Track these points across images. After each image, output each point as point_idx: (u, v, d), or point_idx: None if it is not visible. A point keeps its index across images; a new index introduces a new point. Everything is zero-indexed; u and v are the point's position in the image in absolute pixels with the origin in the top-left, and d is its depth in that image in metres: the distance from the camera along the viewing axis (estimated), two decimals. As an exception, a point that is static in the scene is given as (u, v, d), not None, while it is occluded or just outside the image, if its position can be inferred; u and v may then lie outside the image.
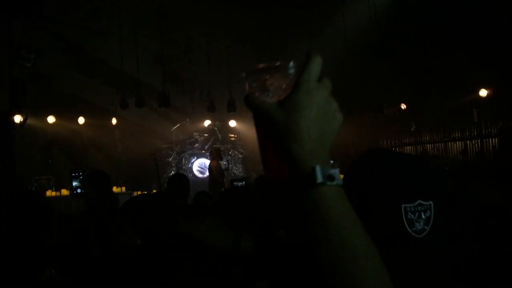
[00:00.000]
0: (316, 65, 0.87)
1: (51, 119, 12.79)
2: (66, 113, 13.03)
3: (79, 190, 2.65)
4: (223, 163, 12.10)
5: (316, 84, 0.84)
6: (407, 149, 15.08)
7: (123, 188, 11.96)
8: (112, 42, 12.64)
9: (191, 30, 14.61)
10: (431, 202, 1.02)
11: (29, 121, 10.83)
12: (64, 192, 11.32)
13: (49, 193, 10.79)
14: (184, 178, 4.32)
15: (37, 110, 12.10)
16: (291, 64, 1.08)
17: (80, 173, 2.69)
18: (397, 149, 15.34)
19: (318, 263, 0.74)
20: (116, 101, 12.50)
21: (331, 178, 0.76)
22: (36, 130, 12.60)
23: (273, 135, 0.81)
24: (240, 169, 14.72)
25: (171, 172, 13.25)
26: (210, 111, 13.46)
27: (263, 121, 0.85)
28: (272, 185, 0.84)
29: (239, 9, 14.18)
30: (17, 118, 10.38)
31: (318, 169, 0.76)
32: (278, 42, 14.40)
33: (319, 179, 0.75)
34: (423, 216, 1.01)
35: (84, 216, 2.84)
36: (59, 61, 13.12)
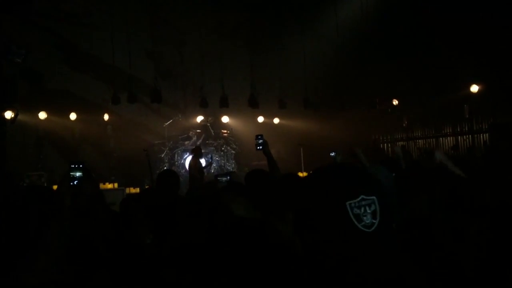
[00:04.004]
0: None
1: (42, 115, 12.71)
2: (58, 108, 12.96)
3: (76, 182, 2.59)
4: (205, 160, 12.40)
5: None
6: (398, 144, 15.13)
7: (116, 184, 11.94)
8: (103, 37, 12.55)
9: (184, 25, 14.55)
10: (374, 197, 1.09)
11: (20, 117, 10.77)
12: (56, 187, 11.27)
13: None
14: (173, 174, 4.30)
15: (28, 106, 12.03)
16: None
17: (81, 165, 2.62)
18: (389, 144, 15.43)
19: None
20: (108, 96, 12.45)
21: None
22: (28, 126, 12.52)
23: None
24: (233, 164, 14.74)
25: (163, 168, 13.24)
26: (203, 107, 13.44)
27: None
28: None
29: (231, 4, 14.14)
30: (8, 114, 10.31)
31: None
32: (270, 38, 14.39)
33: None
34: (368, 210, 1.07)
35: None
36: (51, 57, 13.03)
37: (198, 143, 13.78)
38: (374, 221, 1.06)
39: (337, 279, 1.06)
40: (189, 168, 11.31)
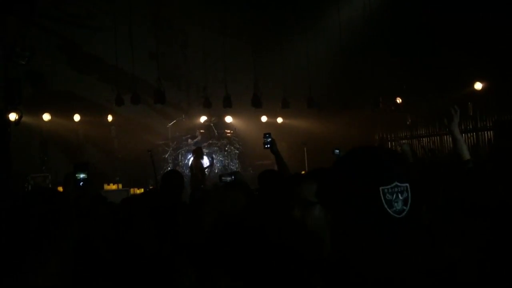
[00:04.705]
0: None
1: (46, 117, 12.75)
2: (62, 110, 13.00)
3: (81, 183, 2.59)
4: (209, 160, 12.53)
5: None
6: (406, 142, 15.09)
7: (120, 185, 11.97)
8: (107, 39, 12.59)
9: (187, 26, 14.57)
10: (407, 184, 1.11)
11: (24, 119, 10.78)
12: (61, 189, 11.30)
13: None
14: (178, 174, 4.31)
15: (32, 108, 12.06)
16: None
17: (85, 167, 2.62)
18: (393, 143, 15.39)
19: None
20: (112, 97, 12.48)
21: None
22: (32, 128, 12.56)
23: None
24: (237, 164, 14.74)
25: (167, 169, 13.26)
26: (206, 107, 13.45)
27: None
28: None
29: (234, 4, 14.15)
30: (12, 116, 10.32)
31: None
32: (273, 37, 14.38)
33: None
34: (400, 197, 1.09)
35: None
36: (54, 58, 13.08)
37: (203, 144, 13.84)
38: (404, 207, 1.08)
39: (362, 263, 1.08)
40: (190, 168, 11.40)
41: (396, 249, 1.07)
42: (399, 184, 1.09)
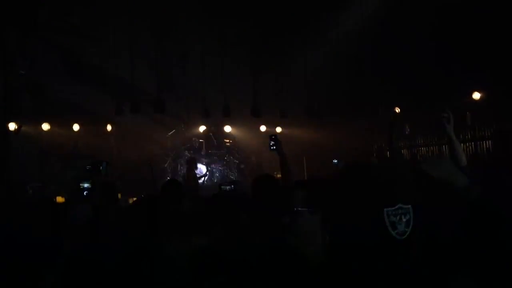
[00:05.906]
0: None
1: (45, 126, 12.75)
2: (61, 120, 13.00)
3: (85, 193, 2.59)
4: (199, 171, 12.65)
5: None
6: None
7: (119, 195, 11.91)
8: (106, 49, 12.63)
9: (186, 35, 14.62)
10: (409, 206, 1.10)
11: (23, 128, 10.82)
12: (60, 199, 11.27)
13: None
14: (177, 184, 4.33)
15: (31, 118, 12.07)
16: None
17: (103, 163, 2.55)
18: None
19: None
20: (111, 107, 12.48)
21: None
22: (31, 137, 12.55)
23: None
24: (236, 173, 14.72)
25: (167, 178, 13.24)
26: (205, 117, 13.46)
27: None
28: None
29: (234, 14, 14.21)
30: (12, 126, 10.35)
31: None
32: (272, 48, 14.44)
33: None
34: (403, 219, 1.09)
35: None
36: (54, 68, 13.09)
37: (202, 152, 13.84)
38: (406, 229, 1.08)
39: (362, 281, 1.07)
40: (183, 178, 11.44)
41: (395, 270, 1.07)
42: (402, 206, 1.09)
